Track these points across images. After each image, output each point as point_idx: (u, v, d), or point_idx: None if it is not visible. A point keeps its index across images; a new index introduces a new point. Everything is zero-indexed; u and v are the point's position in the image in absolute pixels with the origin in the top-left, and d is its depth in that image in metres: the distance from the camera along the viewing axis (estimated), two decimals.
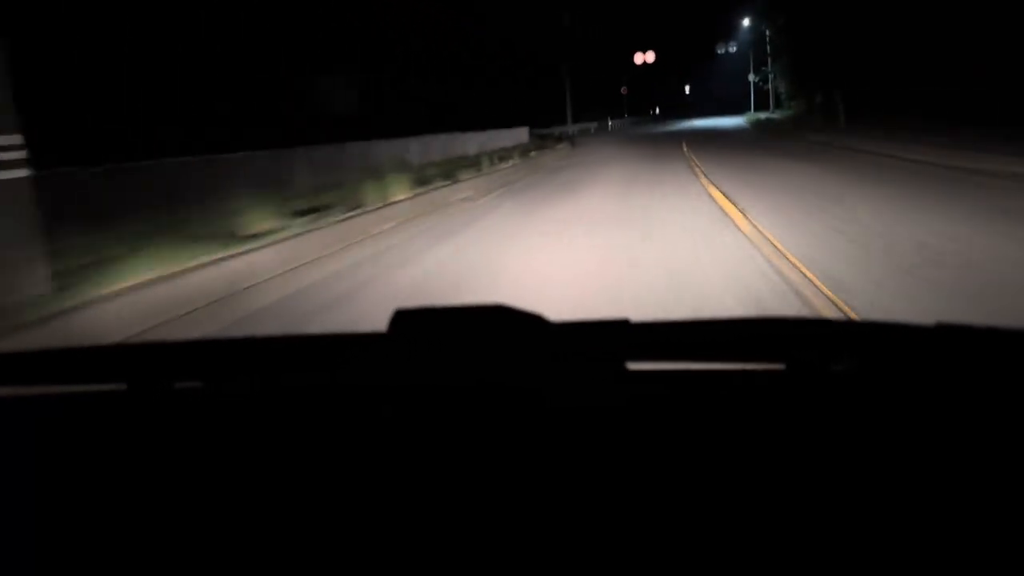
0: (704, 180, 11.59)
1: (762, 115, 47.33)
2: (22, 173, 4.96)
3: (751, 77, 56.63)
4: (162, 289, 5.03)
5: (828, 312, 4.05)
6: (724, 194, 9.46)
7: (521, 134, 30.92)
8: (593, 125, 48.39)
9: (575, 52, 51.10)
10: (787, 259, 5.40)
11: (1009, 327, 0.70)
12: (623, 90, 57.79)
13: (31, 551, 0.57)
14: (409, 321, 0.78)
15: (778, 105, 49.76)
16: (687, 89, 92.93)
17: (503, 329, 0.76)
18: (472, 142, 25.37)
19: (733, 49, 55.17)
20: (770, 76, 49.23)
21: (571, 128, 47.03)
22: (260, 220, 7.74)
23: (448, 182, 13.37)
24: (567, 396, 0.73)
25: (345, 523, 0.57)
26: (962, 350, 0.71)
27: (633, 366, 0.77)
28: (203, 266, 5.67)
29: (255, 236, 7.14)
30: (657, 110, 74.17)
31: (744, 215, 7.66)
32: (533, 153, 23.82)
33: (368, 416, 0.74)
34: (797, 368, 0.74)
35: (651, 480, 0.59)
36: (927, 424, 0.64)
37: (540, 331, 0.75)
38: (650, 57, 56.84)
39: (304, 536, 0.55)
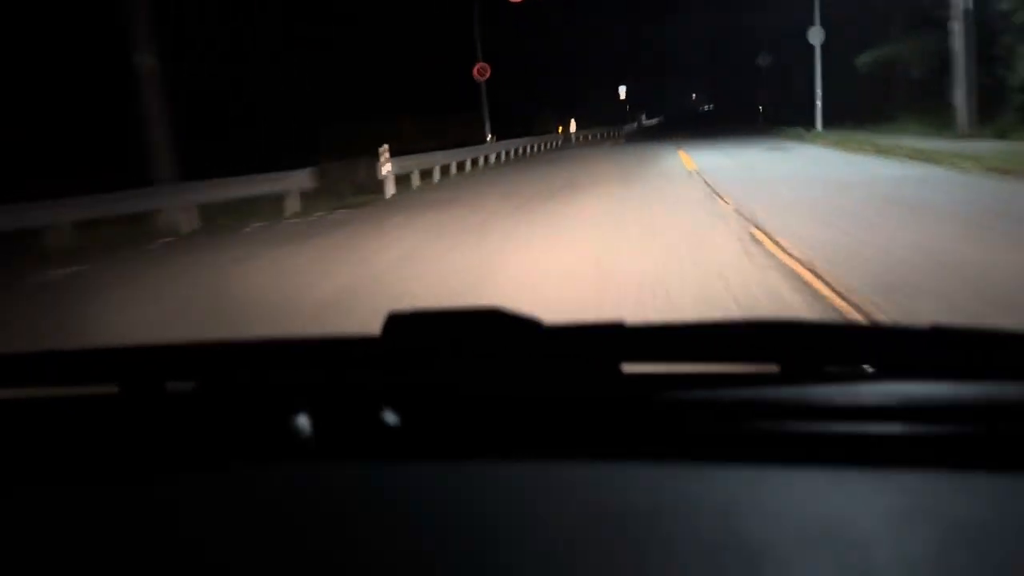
0: None
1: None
2: None
3: (814, 36, 21.21)
4: None
5: None
6: None
7: None
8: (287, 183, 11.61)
9: None
10: None
11: (1003, 329, 0.72)
12: (477, 72, 21.74)
13: (20, 555, 0.57)
14: (402, 324, 0.78)
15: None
16: (622, 91, 57.74)
17: (496, 332, 0.77)
18: None
19: None
20: None
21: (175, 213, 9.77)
22: None
23: None
24: (561, 398, 0.74)
25: (341, 523, 0.58)
26: (956, 352, 0.72)
27: (628, 368, 0.77)
28: None
29: None
30: (573, 127, 38.60)
31: None
32: None
33: (361, 418, 0.73)
34: (791, 370, 0.75)
35: (644, 482, 0.60)
36: (921, 425, 0.64)
37: (533, 334, 0.77)
38: None
39: (301, 537, 0.56)
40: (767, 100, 35.99)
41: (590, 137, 41.37)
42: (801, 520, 0.54)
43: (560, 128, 37.52)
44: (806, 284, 4.30)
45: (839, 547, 0.50)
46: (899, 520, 0.53)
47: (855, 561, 0.49)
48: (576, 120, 42.79)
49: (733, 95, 66.62)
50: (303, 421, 0.72)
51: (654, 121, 75.79)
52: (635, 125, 55.71)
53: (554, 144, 33.01)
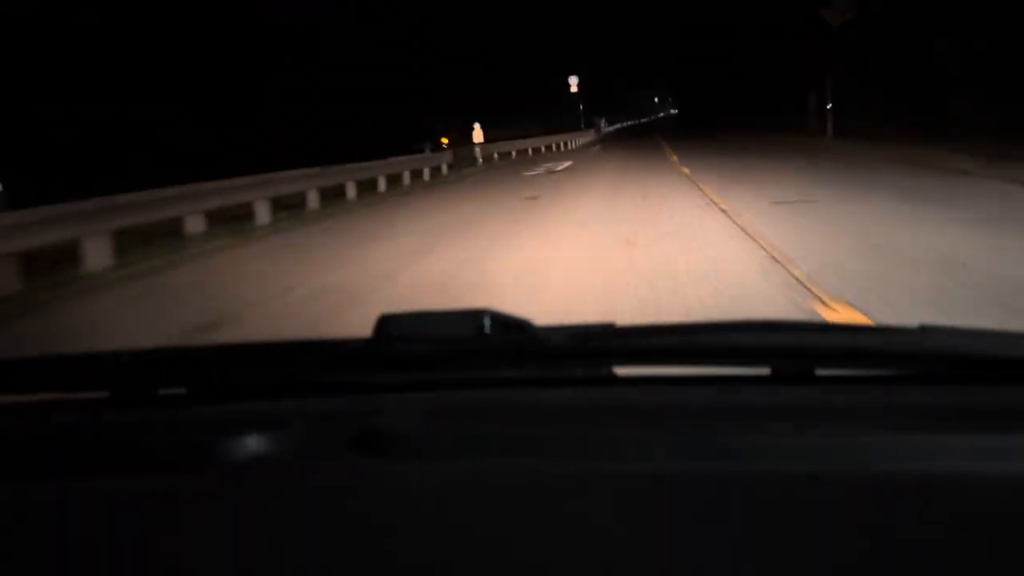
0: None
1: None
2: None
3: None
4: None
5: None
6: None
7: None
8: None
9: None
10: None
11: (990, 329, 0.74)
12: None
13: (9, 561, 0.57)
14: (394, 325, 0.79)
15: None
16: (573, 82, 41.15)
17: (488, 334, 0.77)
18: None
19: None
20: None
21: None
22: None
23: None
24: (553, 400, 0.75)
25: (332, 522, 0.59)
26: (944, 351, 0.74)
27: (620, 371, 0.79)
28: None
29: None
30: (478, 137, 21.90)
31: None
32: None
33: (352, 418, 0.73)
34: (782, 372, 0.76)
35: (637, 484, 0.60)
36: (911, 424, 0.65)
37: (525, 335, 0.77)
38: None
39: (292, 537, 0.56)
40: (814, 93, 20.13)
41: (514, 154, 24.48)
42: (794, 522, 0.53)
43: (445, 141, 20.84)
44: None
45: (826, 549, 0.50)
46: (877, 520, 0.52)
47: (802, 562, 0.49)
48: (497, 125, 26.27)
49: (713, 93, 50.98)
50: (294, 422, 0.72)
51: (616, 128, 59.37)
52: (593, 133, 39.23)
53: (422, 177, 16.33)
